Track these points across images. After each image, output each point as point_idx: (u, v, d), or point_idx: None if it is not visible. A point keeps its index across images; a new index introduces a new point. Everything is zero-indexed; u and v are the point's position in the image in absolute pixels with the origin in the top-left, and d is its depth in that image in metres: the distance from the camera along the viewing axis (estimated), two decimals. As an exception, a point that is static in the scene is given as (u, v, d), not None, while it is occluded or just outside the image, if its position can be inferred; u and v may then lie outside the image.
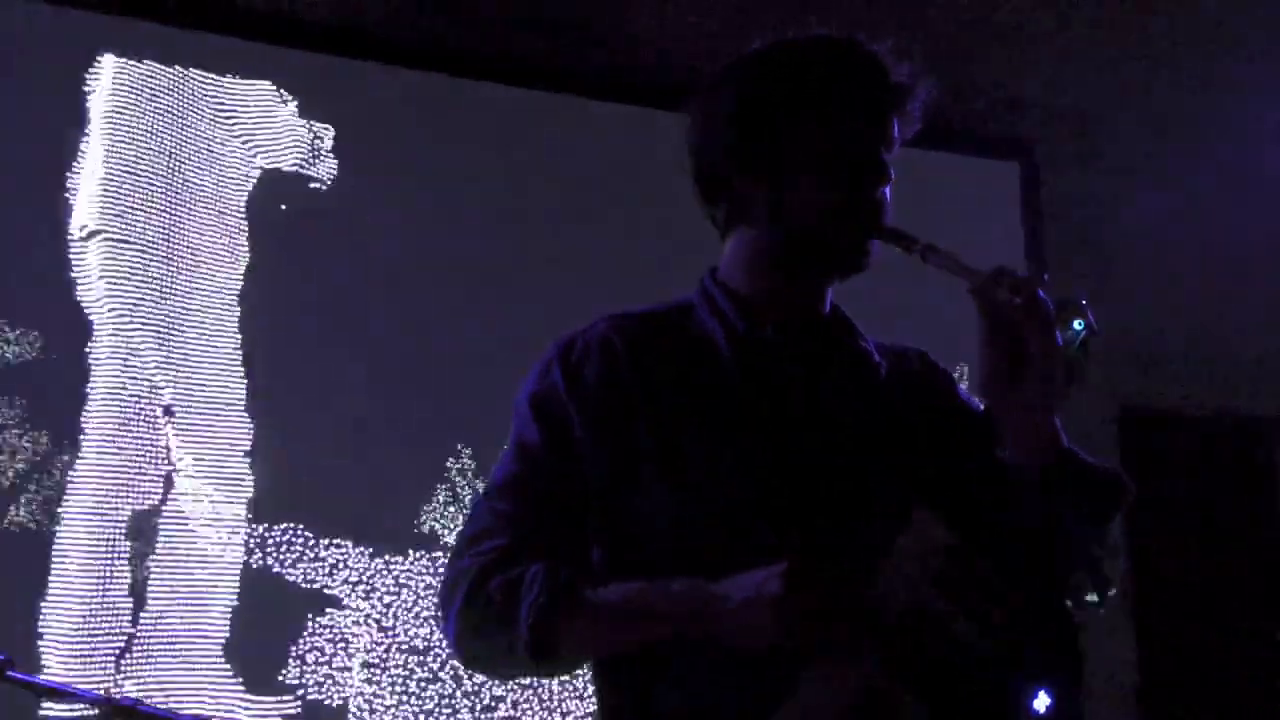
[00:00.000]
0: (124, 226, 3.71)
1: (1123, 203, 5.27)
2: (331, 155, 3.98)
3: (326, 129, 4.00)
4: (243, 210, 3.88)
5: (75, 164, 3.68)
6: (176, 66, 3.86)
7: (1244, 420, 5.38)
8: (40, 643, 3.39)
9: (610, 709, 1.45)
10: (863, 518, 1.39)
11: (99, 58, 3.77)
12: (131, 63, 3.80)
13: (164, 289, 3.74)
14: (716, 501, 1.37)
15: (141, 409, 3.64)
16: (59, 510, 3.47)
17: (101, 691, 2.00)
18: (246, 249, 3.86)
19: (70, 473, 3.51)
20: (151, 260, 3.73)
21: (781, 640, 1.25)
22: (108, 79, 3.76)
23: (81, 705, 1.87)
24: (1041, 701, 1.36)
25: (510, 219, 4.13)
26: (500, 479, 1.47)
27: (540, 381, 1.48)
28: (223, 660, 3.61)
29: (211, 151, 3.87)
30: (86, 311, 3.62)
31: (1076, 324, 1.35)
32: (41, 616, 3.40)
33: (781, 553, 1.28)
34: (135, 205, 3.73)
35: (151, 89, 3.82)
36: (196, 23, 3.91)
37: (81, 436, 3.54)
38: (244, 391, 3.77)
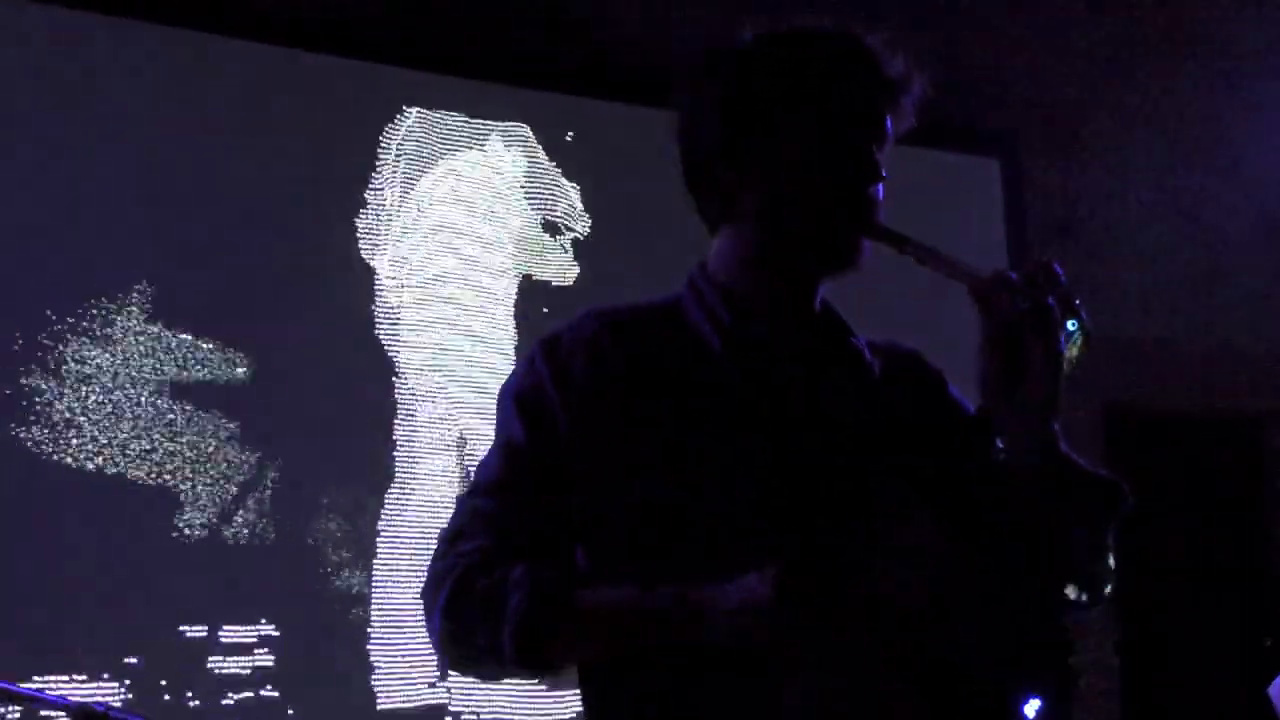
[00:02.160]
0: (422, 270, 3.99)
1: (1110, 199, 5.26)
2: (584, 212, 4.21)
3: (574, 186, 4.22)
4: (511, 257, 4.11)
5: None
6: (443, 111, 4.09)
7: (1231, 417, 5.28)
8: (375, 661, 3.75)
9: (598, 714, 1.43)
10: (863, 518, 1.38)
11: (403, 108, 4.02)
12: (424, 111, 4.06)
13: (453, 325, 4.02)
14: (717, 501, 1.36)
15: (441, 439, 3.93)
16: (380, 530, 3.80)
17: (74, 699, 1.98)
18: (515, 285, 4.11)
19: (387, 496, 3.83)
20: (445, 301, 4.01)
21: (772, 646, 1.25)
22: (403, 129, 4.03)
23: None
24: (1031, 707, 1.35)
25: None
26: (483, 477, 1.45)
27: (525, 378, 1.45)
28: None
29: (496, 194, 4.12)
30: (388, 349, 3.91)
31: (1070, 324, 1.33)
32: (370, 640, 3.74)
33: (781, 553, 1.27)
34: (432, 250, 4.02)
35: (441, 137, 4.08)
36: (193, 24, 3.86)
37: (397, 468, 3.86)
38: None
